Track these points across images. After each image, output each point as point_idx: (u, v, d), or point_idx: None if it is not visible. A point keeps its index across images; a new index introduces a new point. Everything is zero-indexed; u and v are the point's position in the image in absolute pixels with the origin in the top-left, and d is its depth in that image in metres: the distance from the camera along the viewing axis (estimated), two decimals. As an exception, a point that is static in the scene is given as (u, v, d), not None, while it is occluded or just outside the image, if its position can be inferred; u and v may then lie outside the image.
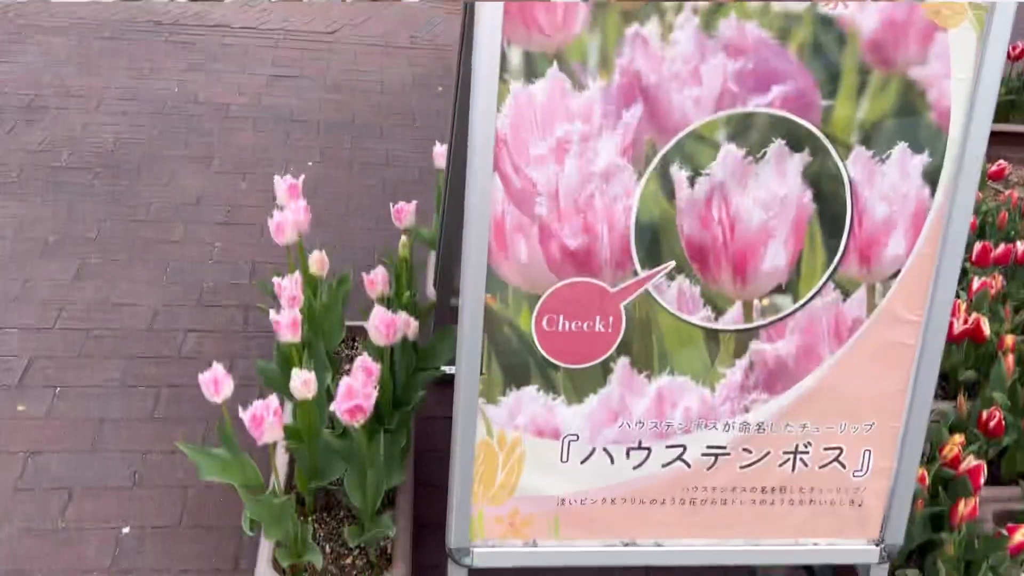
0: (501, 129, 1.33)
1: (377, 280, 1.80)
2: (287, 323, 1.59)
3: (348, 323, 2.10)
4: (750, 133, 1.38)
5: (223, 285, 2.75)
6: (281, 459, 1.85)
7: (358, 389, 1.43)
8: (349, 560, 1.72)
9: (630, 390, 1.49)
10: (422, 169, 3.53)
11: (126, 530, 1.95)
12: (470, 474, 1.49)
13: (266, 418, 1.40)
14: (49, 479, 2.05)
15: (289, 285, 1.66)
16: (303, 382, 1.54)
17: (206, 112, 3.76)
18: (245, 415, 1.42)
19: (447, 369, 1.96)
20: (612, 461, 1.52)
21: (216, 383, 1.47)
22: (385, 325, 1.61)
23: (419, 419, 2.22)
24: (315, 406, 1.61)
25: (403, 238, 1.94)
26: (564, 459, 1.51)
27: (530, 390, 1.47)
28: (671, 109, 1.35)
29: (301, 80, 4.16)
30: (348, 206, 3.24)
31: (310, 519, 1.77)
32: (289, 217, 1.79)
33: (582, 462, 1.52)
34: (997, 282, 2.43)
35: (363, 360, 1.51)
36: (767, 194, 1.41)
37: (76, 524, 1.95)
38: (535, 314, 1.43)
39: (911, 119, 1.40)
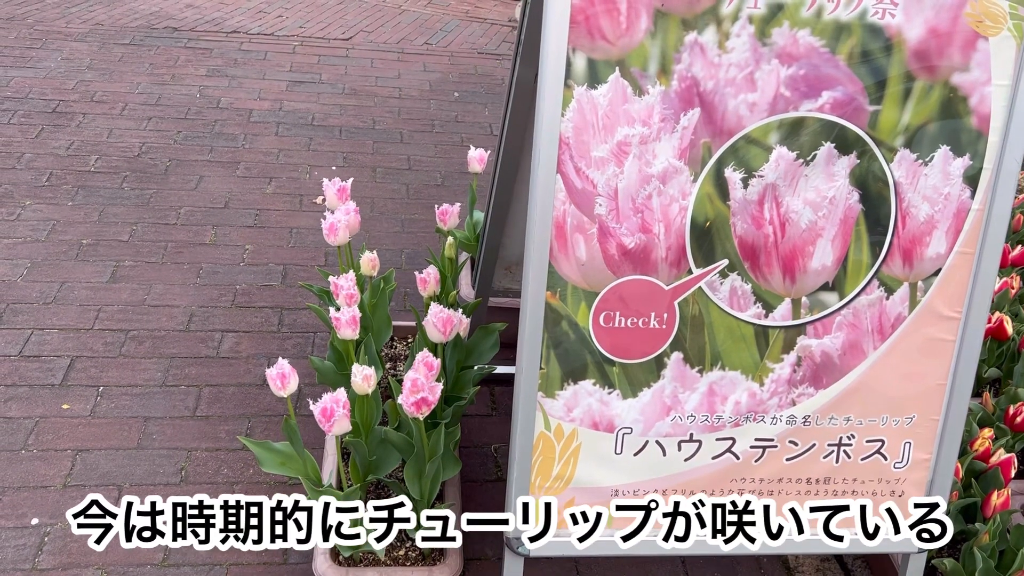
0: (564, 132, 1.39)
1: (429, 279, 1.85)
2: (347, 320, 1.64)
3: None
4: (801, 136, 1.44)
5: (256, 287, 2.80)
6: (330, 456, 1.90)
7: (423, 383, 1.48)
8: (402, 552, 1.76)
9: (683, 384, 1.54)
10: (444, 174, 3.59)
11: (177, 525, 1.99)
12: (528, 465, 1.54)
13: (336, 411, 1.45)
14: (98, 476, 2.09)
15: (346, 284, 1.71)
16: (364, 377, 1.59)
17: (229, 117, 3.81)
18: (315, 408, 1.47)
19: (501, 369, 2.02)
20: (664, 453, 1.58)
21: (283, 377, 1.52)
22: (443, 322, 1.66)
23: (466, 417, 2.27)
24: (372, 401, 1.66)
25: (449, 239, 1.99)
26: (618, 451, 1.57)
27: (586, 384, 1.52)
28: (727, 113, 1.41)
29: (320, 86, 4.21)
30: (373, 209, 3.29)
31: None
32: (342, 219, 1.84)
33: (635, 454, 1.57)
34: (1016, 283, 2.49)
35: (424, 355, 1.56)
36: (816, 195, 1.47)
37: (128, 519, 1.99)
38: (593, 311, 1.49)
39: (953, 123, 1.46)
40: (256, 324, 2.64)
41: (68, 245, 2.89)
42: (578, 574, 1.97)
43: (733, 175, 1.44)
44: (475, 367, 1.88)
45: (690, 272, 1.48)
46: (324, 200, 3.32)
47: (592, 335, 1.50)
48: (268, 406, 2.35)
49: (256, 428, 2.28)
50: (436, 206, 2.14)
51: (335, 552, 1.69)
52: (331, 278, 1.77)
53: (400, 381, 1.78)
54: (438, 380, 1.68)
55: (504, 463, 2.24)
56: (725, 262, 1.48)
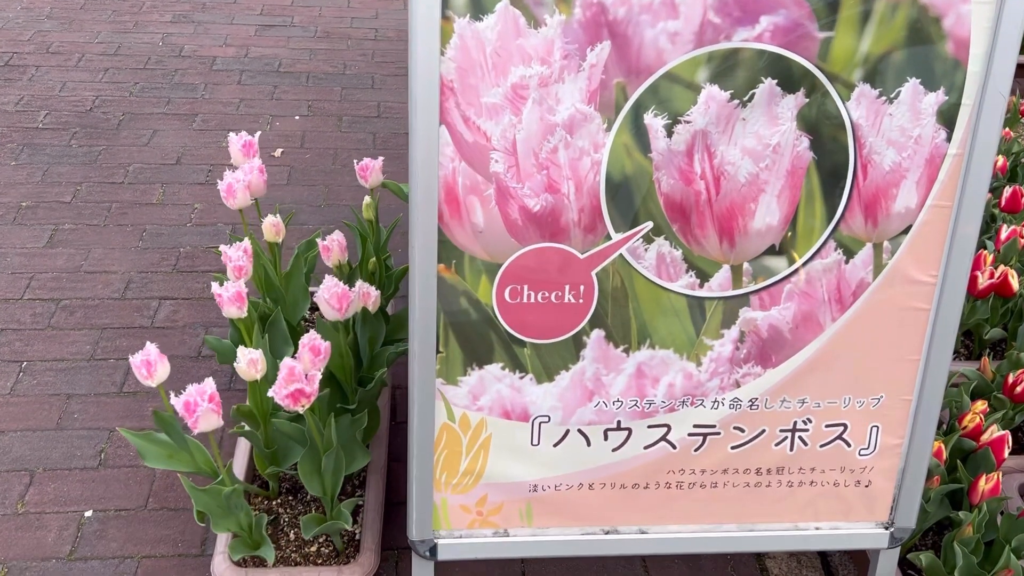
0: (446, 75, 1.16)
1: (333, 247, 1.65)
2: (231, 296, 1.45)
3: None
4: (736, 72, 1.19)
5: (200, 250, 2.62)
6: (244, 441, 1.73)
7: (300, 372, 1.29)
8: (314, 547, 1.60)
9: (606, 366, 1.33)
10: (415, 121, 3.35)
11: (88, 514, 1.85)
12: (430, 461, 1.35)
13: (199, 405, 1.27)
14: (10, 461, 1.95)
15: (235, 254, 1.52)
16: (249, 361, 1.40)
17: (190, 66, 3.60)
18: (176, 401, 1.29)
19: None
20: (588, 443, 1.38)
21: (149, 366, 1.34)
22: (337, 298, 1.46)
23: (401, 390, 2.09)
24: (267, 386, 1.48)
25: (367, 199, 1.78)
26: (535, 442, 1.37)
27: (494, 368, 1.32)
28: (643, 46, 1.17)
29: (291, 29, 3.97)
30: (336, 162, 3.08)
31: (274, 504, 1.66)
32: (241, 178, 1.64)
33: (555, 445, 1.38)
34: (1027, 230, 2.22)
35: (311, 338, 1.37)
36: (757, 142, 1.23)
37: (36, 508, 1.85)
38: (496, 285, 1.28)
39: (923, 50, 1.20)
40: (196, 290, 2.47)
41: (6, 208, 2.73)
42: None
43: (654, 121, 1.21)
44: (394, 346, 1.68)
45: (608, 238, 1.26)
46: (282, 152, 3.12)
47: (497, 313, 1.29)
48: (200, 380, 2.18)
49: (186, 405, 2.11)
50: (357, 163, 1.92)
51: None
52: (222, 247, 1.57)
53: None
54: (345, 361, 1.49)
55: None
56: (650, 225, 1.26)
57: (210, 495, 1.41)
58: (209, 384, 1.31)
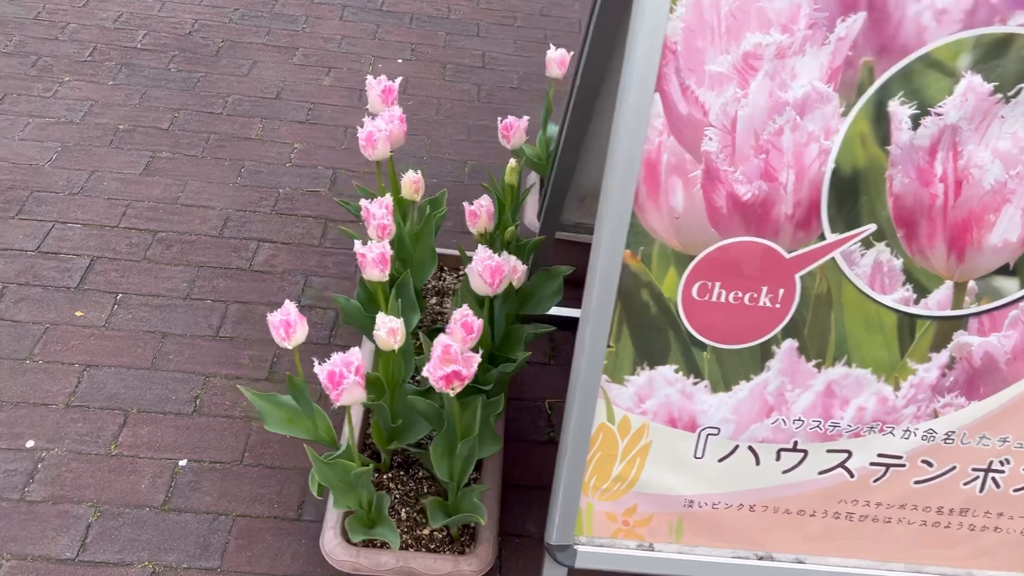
0: (671, 36, 1.00)
1: (481, 213, 1.51)
2: (374, 258, 1.32)
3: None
4: (1004, 62, 1.02)
5: (300, 192, 2.51)
6: (357, 408, 1.62)
7: (457, 352, 1.16)
8: (427, 531, 1.49)
9: (792, 380, 1.19)
10: (521, 76, 3.19)
11: (183, 463, 1.77)
12: (582, 462, 1.22)
13: (346, 377, 1.15)
14: (104, 397, 1.87)
15: (378, 211, 1.39)
16: (389, 331, 1.28)
17: (291, -4, 3.45)
18: (320, 371, 1.17)
19: (562, 311, 1.69)
20: (757, 462, 1.24)
21: (288, 326, 1.22)
22: (491, 272, 1.33)
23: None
24: (400, 357, 1.36)
25: (512, 162, 1.63)
26: (699, 455, 1.23)
27: (666, 370, 1.18)
28: (903, 22, 1.00)
29: (395, -34, 3.79)
30: (438, 112, 2.93)
31: (384, 478, 1.55)
32: (382, 127, 1.50)
33: (720, 460, 1.24)
34: None
35: (463, 314, 1.24)
36: (1012, 145, 1.06)
37: (130, 451, 1.78)
38: (684, 278, 1.13)
39: None
40: (296, 235, 2.36)
41: (103, 130, 2.64)
42: None
43: (900, 110, 1.04)
44: (528, 324, 1.55)
45: (822, 238, 1.10)
46: (385, 97, 2.98)
47: (680, 310, 1.15)
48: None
49: (284, 356, 2.02)
50: (500, 119, 1.77)
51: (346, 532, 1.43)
52: (363, 202, 1.44)
53: (438, 331, 1.47)
54: (483, 340, 1.36)
55: (560, 423, 1.94)
56: (872, 228, 1.10)
57: (334, 469, 1.30)
58: (355, 355, 1.19)
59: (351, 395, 1.17)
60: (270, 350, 2.03)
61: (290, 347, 1.25)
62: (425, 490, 1.56)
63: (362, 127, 1.54)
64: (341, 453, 1.32)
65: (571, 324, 2.07)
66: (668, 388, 1.19)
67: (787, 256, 1.11)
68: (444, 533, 1.50)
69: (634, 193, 1.07)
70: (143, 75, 2.90)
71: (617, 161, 1.06)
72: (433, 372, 1.16)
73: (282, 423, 1.37)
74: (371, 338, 1.64)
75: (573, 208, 1.81)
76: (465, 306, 1.26)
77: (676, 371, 1.18)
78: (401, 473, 1.59)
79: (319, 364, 1.19)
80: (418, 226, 1.62)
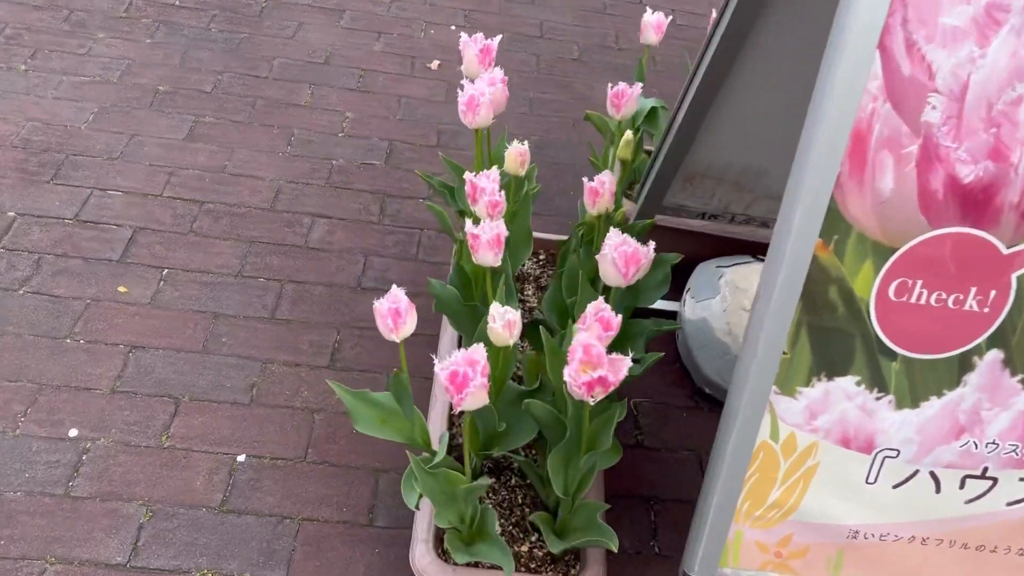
0: (905, -20, 0.82)
1: (603, 190, 1.32)
2: (489, 239, 1.14)
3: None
4: None
5: (355, 165, 2.33)
6: (437, 406, 1.45)
7: (601, 353, 0.99)
8: (526, 548, 1.33)
9: (991, 397, 1.01)
10: (582, 47, 2.99)
11: (241, 458, 1.60)
12: (738, 485, 1.05)
13: (471, 379, 0.98)
14: (152, 383, 1.71)
15: (489, 185, 1.21)
16: (506, 323, 1.11)
17: (336, -44, 3.25)
18: (440, 370, 1.00)
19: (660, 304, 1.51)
20: (937, 489, 1.07)
21: (397, 316, 1.05)
22: (626, 260, 1.15)
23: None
24: (512, 353, 1.19)
25: (627, 134, 1.45)
26: (871, 479, 1.06)
27: (846, 383, 1.01)
28: None
29: (443, -71, 3.59)
30: (498, 83, 2.74)
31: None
32: (486, 92, 1.32)
33: (895, 486, 1.07)
34: None
35: (598, 307, 1.07)
36: None
37: (183, 444, 1.61)
38: (882, 275, 0.95)
39: None
40: (353, 211, 2.18)
41: (142, 91, 2.45)
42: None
43: None
44: (646, 319, 1.38)
45: (1052, 232, 0.93)
46: (440, 65, 2.79)
47: (872, 312, 0.97)
48: (363, 315, 1.91)
49: (346, 342, 1.85)
50: (627, 86, 1.59)
51: (440, 540, 1.27)
52: (468, 175, 1.27)
53: (538, 324, 1.30)
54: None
55: (649, 425, 1.78)
56: (1114, 222, 0.92)
57: (438, 480, 1.13)
58: (479, 353, 1.01)
59: (475, 399, 1.00)
60: (330, 335, 1.86)
61: (398, 340, 1.08)
62: (520, 500, 1.40)
63: (461, 92, 1.36)
64: (443, 461, 1.15)
65: (666, 317, 1.91)
66: (846, 403, 1.02)
67: (1005, 251, 0.94)
68: (544, 550, 1.33)
69: (837, 172, 0.90)
70: (183, 34, 2.71)
71: (820, 132, 0.88)
72: (574, 377, 0.99)
73: (374, 424, 1.20)
74: (459, 328, 1.47)
75: (678, 189, 1.64)
76: (601, 299, 1.09)
77: (858, 383, 1.01)
78: (492, 480, 1.42)
79: (439, 364, 1.01)
80: (514, 206, 1.44)
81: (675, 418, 1.81)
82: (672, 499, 1.65)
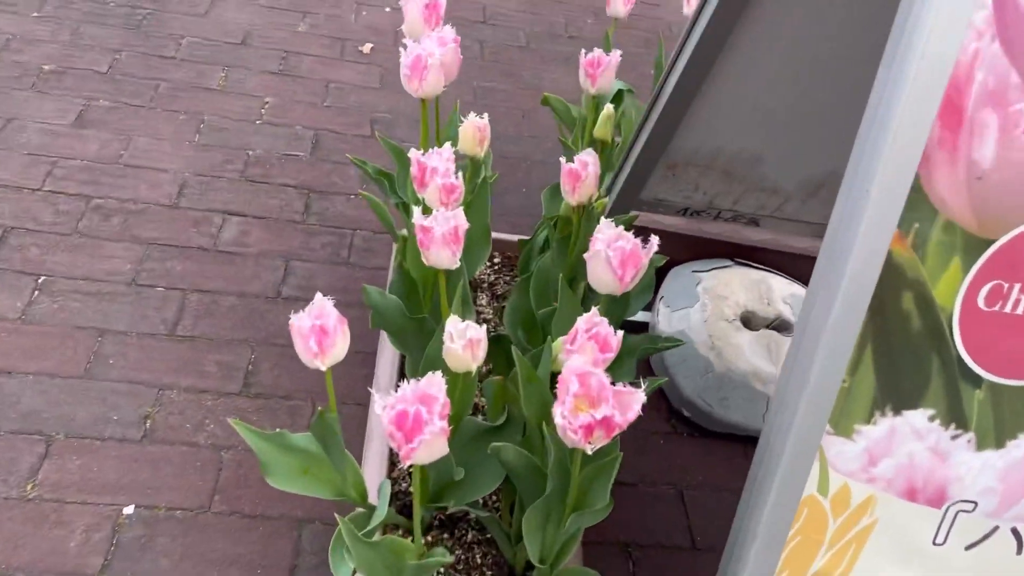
0: None
1: (587, 172, 1.06)
2: (446, 234, 0.88)
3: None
4: None
5: (276, 156, 2.03)
6: (375, 448, 1.17)
7: (603, 385, 0.73)
8: (487, 622, 1.06)
9: (1094, 434, 0.79)
10: (529, 34, 2.75)
11: (128, 510, 1.29)
12: (775, 554, 0.81)
13: (427, 423, 0.71)
14: (18, 417, 1.38)
15: (442, 164, 0.94)
16: (467, 343, 0.84)
17: (255, -69, 2.94)
18: (383, 411, 0.73)
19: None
20: (1019, 549, 0.85)
21: (323, 336, 0.77)
22: (622, 260, 0.90)
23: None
24: (474, 382, 0.92)
25: (608, 108, 1.20)
26: (939, 540, 0.83)
27: (917, 417, 0.77)
28: None
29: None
30: (437, 70, 2.47)
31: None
32: (435, 52, 1.05)
33: (968, 547, 0.84)
34: None
35: (591, 321, 0.81)
36: None
37: (53, 494, 1.29)
38: (972, 275, 0.72)
39: None
40: (273, 208, 1.88)
41: (23, 69, 2.10)
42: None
43: None
44: (636, 335, 1.13)
45: None
46: (373, 48, 2.51)
47: (956, 326, 0.74)
48: (283, 329, 1.62)
49: (263, 362, 1.55)
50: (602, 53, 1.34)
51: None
52: (414, 153, 1.00)
53: (499, 340, 1.04)
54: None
55: (638, 464, 1.53)
56: None
57: (378, 551, 0.85)
58: (436, 384, 0.74)
59: (430, 449, 0.73)
60: (243, 354, 1.56)
61: (323, 368, 0.80)
62: (479, 561, 1.13)
63: (404, 53, 1.09)
64: (384, 519, 0.88)
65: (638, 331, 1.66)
66: (915, 443, 0.78)
67: None
68: (511, 624, 1.07)
69: (924, 142, 0.66)
70: (74, 7, 2.37)
71: (903, 81, 0.64)
72: (571, 418, 0.73)
73: (292, 475, 0.92)
74: (402, 347, 1.19)
75: (658, 180, 1.40)
76: (595, 310, 0.84)
77: (931, 418, 0.77)
78: (444, 535, 1.15)
79: (379, 400, 0.74)
80: (470, 195, 1.18)
81: (652, 446, 1.56)
82: (653, 544, 1.41)
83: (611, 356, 0.83)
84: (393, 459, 1.19)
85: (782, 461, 0.76)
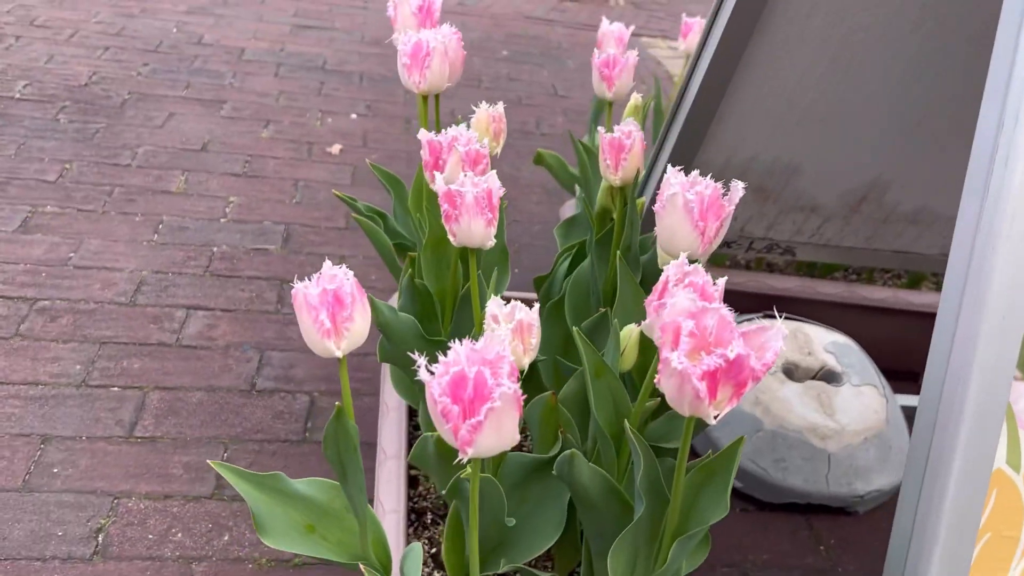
0: None
1: (632, 143, 0.90)
2: (477, 197, 0.70)
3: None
4: None
5: (244, 251, 1.86)
6: (392, 494, 0.94)
7: (723, 321, 0.55)
8: None
9: None
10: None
11: (75, 644, 1.02)
12: (968, 548, 0.60)
13: (496, 385, 0.51)
14: (-63, 540, 1.12)
15: (463, 135, 0.79)
16: (516, 328, 0.65)
17: (214, 54, 2.90)
18: (434, 384, 0.53)
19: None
20: None
21: (339, 306, 0.58)
22: (702, 208, 0.72)
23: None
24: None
25: (635, 96, 1.05)
26: None
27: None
28: None
29: (333, 32, 3.32)
30: (410, 165, 2.37)
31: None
32: (439, 40, 0.92)
33: None
34: None
35: (682, 266, 0.63)
36: None
37: (-22, 630, 1.02)
38: None
39: None
40: (242, 300, 1.69)
41: (-37, 181, 1.94)
42: None
43: None
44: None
45: None
46: (341, 150, 2.40)
47: None
48: (260, 424, 1.39)
49: (238, 460, 1.32)
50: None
51: None
52: (424, 134, 0.84)
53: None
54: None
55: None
56: None
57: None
58: (500, 341, 0.55)
59: (500, 429, 0.51)
60: (214, 453, 1.32)
61: (339, 355, 0.60)
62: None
63: (401, 45, 0.95)
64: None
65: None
66: (1121, 390, 0.60)
67: None
68: None
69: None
70: (21, 125, 2.24)
71: None
72: (689, 367, 0.53)
73: (293, 533, 0.69)
74: (411, 393, 0.99)
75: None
76: (684, 256, 0.66)
77: None
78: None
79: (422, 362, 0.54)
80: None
81: (702, 521, 1.33)
82: (726, 634, 1.16)
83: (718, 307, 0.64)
84: (411, 513, 0.95)
85: (962, 424, 0.57)
